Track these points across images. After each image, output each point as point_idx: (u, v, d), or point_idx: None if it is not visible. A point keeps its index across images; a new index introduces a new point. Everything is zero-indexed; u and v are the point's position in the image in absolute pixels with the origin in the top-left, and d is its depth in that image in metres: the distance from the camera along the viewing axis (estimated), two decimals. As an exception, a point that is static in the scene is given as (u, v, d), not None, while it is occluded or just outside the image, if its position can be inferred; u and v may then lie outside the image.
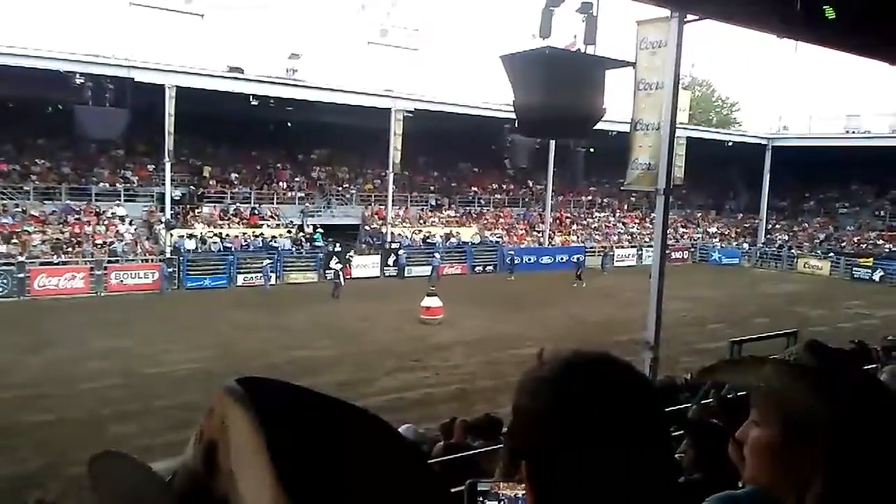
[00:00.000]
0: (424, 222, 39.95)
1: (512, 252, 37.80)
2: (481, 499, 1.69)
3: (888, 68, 11.12)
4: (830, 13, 7.68)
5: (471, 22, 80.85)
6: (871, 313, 27.06)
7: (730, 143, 46.41)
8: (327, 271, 31.41)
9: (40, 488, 10.30)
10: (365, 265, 34.36)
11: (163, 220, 31.93)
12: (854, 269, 39.99)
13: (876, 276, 38.70)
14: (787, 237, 47.39)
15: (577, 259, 37.18)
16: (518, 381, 0.95)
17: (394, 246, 35.99)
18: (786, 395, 1.09)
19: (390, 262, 34.93)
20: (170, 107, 29.63)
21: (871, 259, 40.16)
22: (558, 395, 0.90)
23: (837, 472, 1.01)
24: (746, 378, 1.16)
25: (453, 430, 7.35)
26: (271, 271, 31.06)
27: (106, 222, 31.24)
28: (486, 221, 42.33)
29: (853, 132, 47.39)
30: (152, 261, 29.93)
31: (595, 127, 10.32)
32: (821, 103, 79.99)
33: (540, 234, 42.43)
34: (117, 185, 33.91)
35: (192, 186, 35.19)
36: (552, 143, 38.04)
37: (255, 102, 32.05)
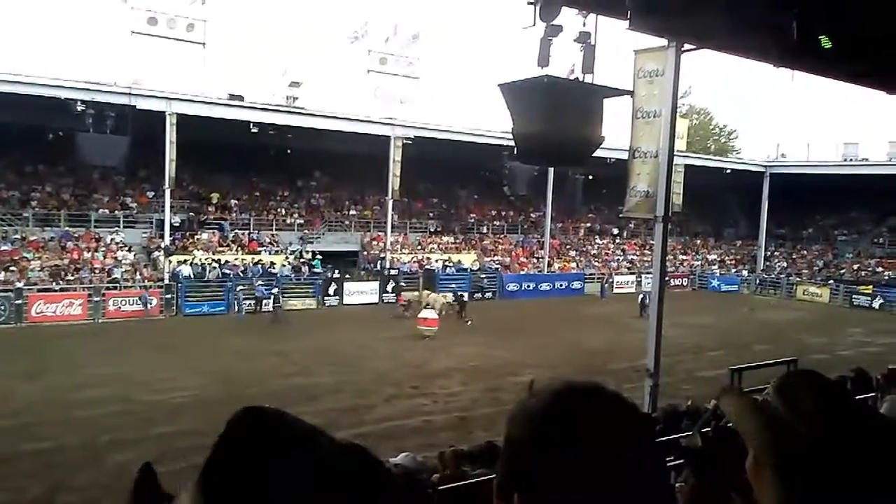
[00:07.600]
0: (424, 248, 39.95)
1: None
2: None
3: (885, 96, 11.19)
4: (826, 43, 7.75)
5: (470, 50, 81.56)
6: (870, 340, 26.99)
7: (728, 171, 46.61)
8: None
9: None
10: (363, 291, 34.33)
11: (162, 246, 31.93)
12: (853, 296, 39.94)
13: (875, 304, 38.63)
14: (786, 264, 47.37)
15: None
16: (508, 412, 0.95)
17: (392, 272, 35.95)
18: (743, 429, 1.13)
19: (389, 288, 34.88)
20: (171, 134, 29.78)
21: (871, 286, 40.07)
22: (547, 426, 0.90)
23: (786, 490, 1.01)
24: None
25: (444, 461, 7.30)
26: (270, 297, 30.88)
27: (105, 249, 31.23)
28: (485, 248, 42.35)
29: (851, 159, 47.65)
30: (151, 287, 29.86)
31: (593, 154, 10.35)
32: (818, 131, 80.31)
33: (539, 261, 42.43)
34: (117, 211, 33.94)
35: (191, 213, 35.25)
36: (551, 170, 38.15)
37: (255, 129, 32.14)
